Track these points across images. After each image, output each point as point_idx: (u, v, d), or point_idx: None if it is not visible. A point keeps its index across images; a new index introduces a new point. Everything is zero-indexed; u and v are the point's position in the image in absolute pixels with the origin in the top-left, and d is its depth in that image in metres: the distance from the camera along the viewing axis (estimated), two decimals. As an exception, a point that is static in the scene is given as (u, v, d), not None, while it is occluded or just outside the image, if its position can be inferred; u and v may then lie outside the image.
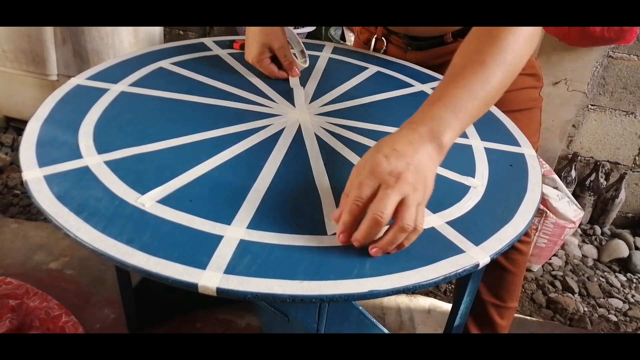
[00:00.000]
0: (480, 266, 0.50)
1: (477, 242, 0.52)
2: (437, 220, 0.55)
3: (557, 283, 1.52)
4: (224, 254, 0.47)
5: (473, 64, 0.56)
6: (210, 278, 0.45)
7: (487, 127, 0.76)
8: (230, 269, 0.46)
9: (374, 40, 0.98)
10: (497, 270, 0.92)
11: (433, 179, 0.51)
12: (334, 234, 0.51)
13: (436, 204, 0.57)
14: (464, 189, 0.61)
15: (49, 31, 1.52)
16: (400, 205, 0.48)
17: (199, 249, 0.48)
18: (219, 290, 0.44)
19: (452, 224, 0.55)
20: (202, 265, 0.46)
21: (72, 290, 1.16)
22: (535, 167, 0.67)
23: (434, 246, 0.51)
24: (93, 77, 0.76)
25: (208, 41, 0.94)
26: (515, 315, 1.32)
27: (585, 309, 1.45)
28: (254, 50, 0.82)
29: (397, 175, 0.48)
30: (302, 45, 0.88)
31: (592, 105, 1.65)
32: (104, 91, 0.73)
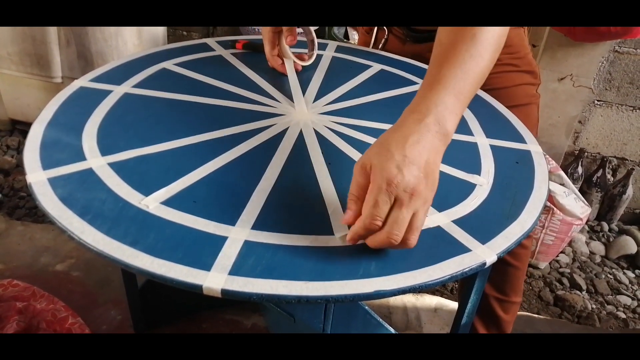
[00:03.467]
0: (487, 265, 0.50)
1: (483, 240, 0.52)
2: (443, 219, 0.54)
3: (565, 280, 1.51)
4: (228, 255, 0.47)
5: (464, 39, 0.56)
6: (215, 279, 0.44)
7: (493, 124, 0.75)
8: (235, 270, 0.45)
9: (375, 28, 0.99)
10: (499, 265, 0.91)
11: (438, 172, 0.50)
12: (341, 236, 0.50)
13: (442, 203, 0.57)
14: (469, 187, 0.60)
15: (53, 33, 1.53)
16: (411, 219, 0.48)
17: (203, 250, 0.47)
18: (223, 291, 0.44)
19: (458, 222, 0.54)
20: (207, 266, 0.46)
21: (79, 292, 1.16)
22: (542, 164, 0.67)
23: (440, 245, 0.51)
24: (96, 79, 0.76)
25: (211, 41, 0.94)
26: (523, 312, 1.32)
27: (593, 306, 1.44)
28: (266, 43, 0.83)
29: (412, 191, 0.47)
30: (314, 35, 0.88)
31: (598, 100, 1.64)
32: (107, 93, 0.73)
